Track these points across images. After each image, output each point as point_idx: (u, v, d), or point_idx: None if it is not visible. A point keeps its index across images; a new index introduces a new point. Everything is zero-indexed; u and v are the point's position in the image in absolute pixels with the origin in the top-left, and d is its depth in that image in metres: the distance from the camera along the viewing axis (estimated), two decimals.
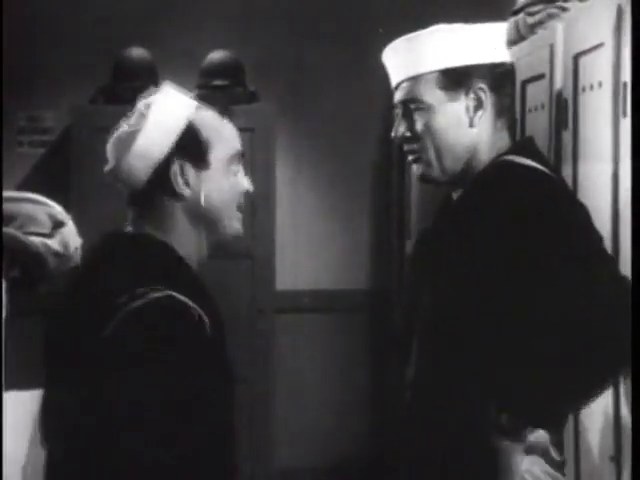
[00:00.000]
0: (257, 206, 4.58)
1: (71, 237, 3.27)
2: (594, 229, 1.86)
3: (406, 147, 1.96)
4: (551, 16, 2.72)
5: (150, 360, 1.64)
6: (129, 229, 1.81)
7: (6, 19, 3.38)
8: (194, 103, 1.84)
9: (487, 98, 1.90)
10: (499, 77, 1.92)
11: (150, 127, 1.78)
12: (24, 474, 2.86)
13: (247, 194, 1.86)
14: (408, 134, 1.94)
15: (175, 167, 1.77)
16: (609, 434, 2.18)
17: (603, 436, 2.23)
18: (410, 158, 1.96)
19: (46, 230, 3.36)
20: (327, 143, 5.01)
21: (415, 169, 1.96)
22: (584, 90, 2.36)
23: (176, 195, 1.78)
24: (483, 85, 1.90)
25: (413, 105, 1.91)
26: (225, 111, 1.90)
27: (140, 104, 1.83)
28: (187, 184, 1.78)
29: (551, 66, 2.54)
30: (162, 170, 1.78)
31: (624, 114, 2.12)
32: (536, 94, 2.63)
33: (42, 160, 4.88)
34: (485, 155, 1.92)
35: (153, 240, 1.79)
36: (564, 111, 2.47)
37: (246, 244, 4.64)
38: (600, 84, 2.25)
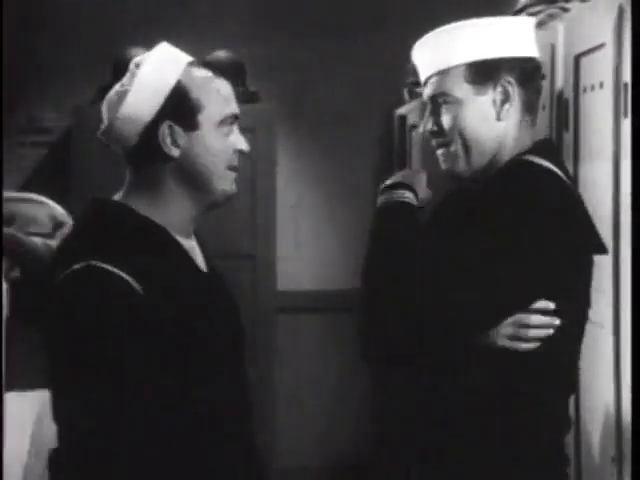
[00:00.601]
0: (258, 206, 4.58)
1: None
2: (585, 242, 1.85)
3: (434, 141, 1.94)
4: (552, 16, 2.72)
5: (75, 330, 1.64)
6: (115, 196, 1.81)
7: (6, 19, 3.38)
8: (186, 61, 1.80)
9: (514, 92, 1.89)
10: (527, 72, 1.91)
11: (138, 88, 1.76)
12: (25, 474, 2.85)
13: (242, 155, 1.83)
14: (436, 128, 1.93)
15: (163, 127, 1.75)
16: (610, 435, 2.18)
17: (604, 437, 2.23)
18: (439, 152, 1.94)
19: (47, 230, 3.36)
20: (328, 143, 5.01)
21: (442, 163, 1.95)
22: (585, 91, 2.36)
23: (165, 156, 1.76)
24: (511, 79, 1.88)
25: (441, 99, 1.91)
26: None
27: (132, 63, 1.81)
28: (176, 144, 1.76)
29: (552, 67, 2.54)
30: (151, 131, 1.75)
31: (625, 114, 2.12)
32: None
33: (43, 160, 4.87)
34: (509, 151, 1.91)
35: (120, 209, 1.77)
36: (565, 111, 2.47)
37: (247, 244, 4.64)
38: (601, 85, 2.25)
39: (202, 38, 4.70)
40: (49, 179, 4.62)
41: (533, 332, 1.78)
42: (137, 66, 1.79)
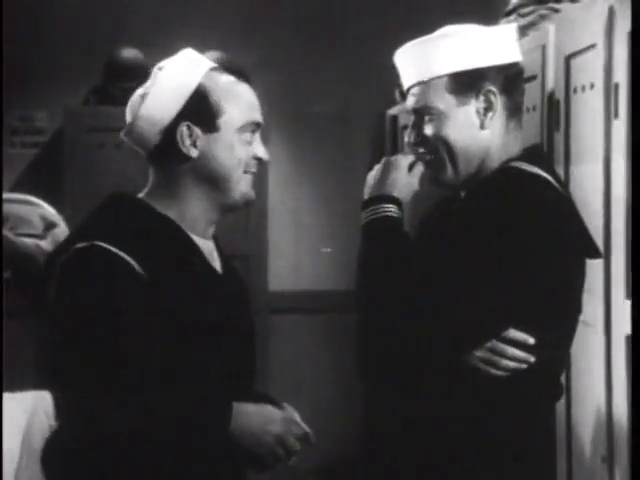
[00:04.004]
0: (251, 207, 4.58)
1: (63, 238, 3.26)
2: (578, 247, 1.84)
3: (420, 152, 1.93)
4: (543, 17, 2.73)
5: (76, 306, 1.69)
6: (139, 193, 1.85)
7: (5, 19, 3.38)
8: (208, 66, 1.82)
9: (497, 100, 1.88)
10: (510, 78, 1.89)
11: (158, 90, 1.79)
12: (17, 474, 2.85)
13: (261, 162, 1.85)
14: (420, 140, 1.92)
15: (182, 128, 1.77)
16: (601, 434, 2.18)
17: (595, 436, 2.23)
18: (423, 163, 1.93)
19: (38, 231, 3.36)
20: (320, 143, 5.01)
21: (428, 174, 1.94)
22: (576, 91, 2.37)
23: (184, 156, 1.78)
24: (492, 87, 1.87)
25: (424, 111, 1.90)
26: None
27: (155, 67, 1.84)
28: (194, 145, 1.78)
29: (543, 67, 2.54)
30: (170, 133, 1.78)
31: (616, 115, 2.13)
32: (528, 95, 2.62)
33: (34, 161, 4.86)
34: (497, 157, 1.90)
35: (136, 202, 1.82)
36: (556, 112, 2.47)
37: (240, 245, 4.64)
38: (592, 85, 2.26)
39: (198, 38, 4.68)
40: (41, 180, 4.61)
41: (506, 363, 1.77)
42: (160, 69, 1.82)
